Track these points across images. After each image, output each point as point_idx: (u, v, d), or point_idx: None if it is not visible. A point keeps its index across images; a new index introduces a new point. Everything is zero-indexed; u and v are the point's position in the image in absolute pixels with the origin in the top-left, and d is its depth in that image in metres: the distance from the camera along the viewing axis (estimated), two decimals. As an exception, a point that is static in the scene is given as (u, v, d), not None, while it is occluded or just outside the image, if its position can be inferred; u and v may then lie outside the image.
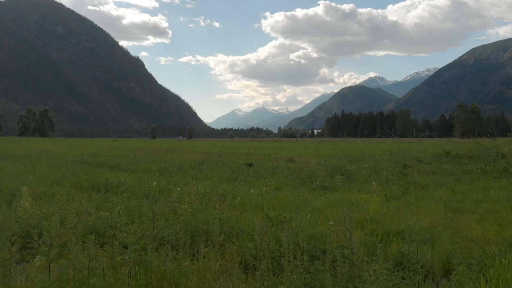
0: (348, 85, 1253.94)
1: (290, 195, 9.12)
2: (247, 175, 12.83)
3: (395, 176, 12.53)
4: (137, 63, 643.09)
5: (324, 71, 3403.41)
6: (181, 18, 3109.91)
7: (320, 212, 7.25)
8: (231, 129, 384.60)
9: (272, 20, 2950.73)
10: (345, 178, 12.12)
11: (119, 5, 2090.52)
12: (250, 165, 16.86)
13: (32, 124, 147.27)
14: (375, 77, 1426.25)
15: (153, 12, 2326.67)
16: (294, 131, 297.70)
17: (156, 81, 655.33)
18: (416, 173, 13.84)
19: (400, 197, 9.85)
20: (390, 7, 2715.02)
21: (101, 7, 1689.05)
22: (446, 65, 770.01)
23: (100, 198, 8.43)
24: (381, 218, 6.86)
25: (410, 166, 16.39)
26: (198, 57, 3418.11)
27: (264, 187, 9.92)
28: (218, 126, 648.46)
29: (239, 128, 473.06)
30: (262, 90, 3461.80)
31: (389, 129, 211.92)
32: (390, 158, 22.85)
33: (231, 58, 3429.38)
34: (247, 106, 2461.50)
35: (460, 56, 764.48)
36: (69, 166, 15.08)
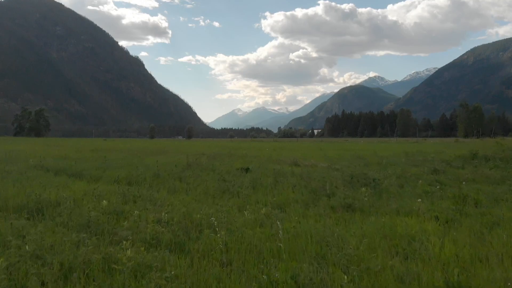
0: (348, 85, 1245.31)
1: (303, 222, 6.08)
2: (242, 185, 9.80)
3: (437, 187, 9.49)
4: (137, 63, 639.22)
5: (324, 71, 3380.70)
6: (181, 18, 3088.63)
7: (360, 263, 4.23)
8: (231, 129, 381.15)
9: (272, 20, 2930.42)
10: (372, 191, 9.08)
11: (118, 5, 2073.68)
12: (247, 170, 13.84)
13: (27, 124, 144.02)
14: (375, 77, 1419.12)
15: (152, 12, 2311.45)
16: (294, 131, 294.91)
17: (156, 81, 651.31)
18: (464, 182, 10.77)
19: (459, 221, 6.87)
20: (390, 6, 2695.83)
21: (100, 7, 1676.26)
22: (446, 65, 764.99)
23: (13, 228, 5.43)
24: (474, 280, 3.85)
25: (443, 172, 13.35)
26: (198, 57, 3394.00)
27: (264, 207, 6.90)
28: (218, 126, 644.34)
29: (239, 128, 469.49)
30: (262, 90, 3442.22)
31: (391, 129, 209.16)
32: (409, 160, 19.84)
33: (231, 58, 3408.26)
34: (247, 106, 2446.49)
35: (460, 56, 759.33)
36: (19, 172, 12.07)
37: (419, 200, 7.29)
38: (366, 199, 7.82)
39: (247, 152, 28.08)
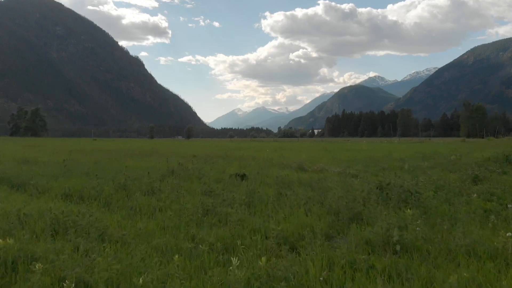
0: (348, 84, 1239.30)
1: (337, 285, 3.42)
2: (233, 202, 7.13)
3: (509, 206, 6.82)
4: (137, 63, 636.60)
5: (324, 71, 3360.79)
6: (181, 18, 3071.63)
7: None
8: (231, 129, 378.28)
9: (272, 20, 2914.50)
10: (417, 211, 6.39)
11: (118, 5, 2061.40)
12: (243, 177, 11.19)
13: (23, 124, 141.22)
14: (375, 76, 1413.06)
15: (152, 12, 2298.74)
16: (294, 130, 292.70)
17: (156, 81, 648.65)
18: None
19: None
20: (390, 6, 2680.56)
21: (100, 7, 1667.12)
22: (446, 65, 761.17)
23: None
24: None
25: (486, 179, 10.68)
26: (198, 57, 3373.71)
27: (263, 247, 4.24)
28: (218, 126, 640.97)
29: (239, 128, 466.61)
30: (262, 90, 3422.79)
31: (392, 129, 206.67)
32: (432, 163, 17.18)
33: (231, 58, 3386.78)
34: (247, 106, 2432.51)
35: (460, 56, 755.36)
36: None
37: (508, 233, 4.61)
38: (418, 228, 5.15)
39: (245, 153, 25.38)
